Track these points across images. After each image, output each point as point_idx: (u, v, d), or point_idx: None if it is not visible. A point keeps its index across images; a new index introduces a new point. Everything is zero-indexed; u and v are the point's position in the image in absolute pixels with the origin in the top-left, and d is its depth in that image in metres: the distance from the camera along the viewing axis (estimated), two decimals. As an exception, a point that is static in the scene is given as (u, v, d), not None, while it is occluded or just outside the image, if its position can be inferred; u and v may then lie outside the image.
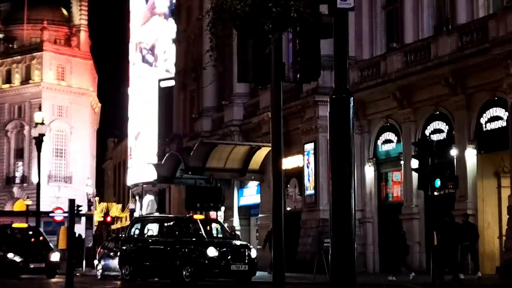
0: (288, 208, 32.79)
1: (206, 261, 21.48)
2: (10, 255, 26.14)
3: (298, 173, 32.41)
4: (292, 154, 31.92)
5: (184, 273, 21.73)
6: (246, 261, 21.83)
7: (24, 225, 31.19)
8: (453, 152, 25.52)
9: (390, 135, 29.77)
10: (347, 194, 8.81)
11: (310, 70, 9.87)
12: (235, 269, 21.66)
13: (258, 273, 22.98)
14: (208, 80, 42.69)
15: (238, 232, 35.31)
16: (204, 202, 31.52)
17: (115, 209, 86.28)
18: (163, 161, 41.19)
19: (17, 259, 26.15)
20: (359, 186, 28.62)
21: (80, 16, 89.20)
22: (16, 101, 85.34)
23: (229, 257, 21.64)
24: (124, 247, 24.58)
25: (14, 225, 29.87)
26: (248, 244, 23.94)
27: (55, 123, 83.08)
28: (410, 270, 23.58)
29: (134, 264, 23.69)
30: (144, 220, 26.27)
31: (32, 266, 26.41)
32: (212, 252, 21.54)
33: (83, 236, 41.45)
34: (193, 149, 36.18)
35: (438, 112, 27.09)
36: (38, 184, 37.80)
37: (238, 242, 23.65)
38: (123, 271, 24.16)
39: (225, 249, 21.87)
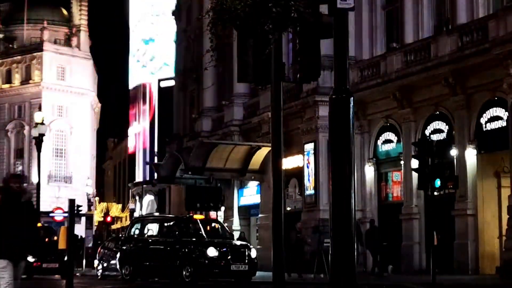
0: (288, 208, 32.76)
1: (206, 261, 21.48)
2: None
3: (298, 173, 32.39)
4: (292, 154, 31.90)
5: (184, 273, 21.75)
6: (246, 261, 21.87)
7: (201, 216, 28.83)
8: (453, 152, 25.51)
9: (390, 135, 29.76)
10: (347, 194, 8.81)
11: (310, 70, 9.88)
12: (235, 269, 21.69)
13: (259, 273, 22.99)
14: (208, 80, 42.70)
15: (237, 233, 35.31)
16: (204, 202, 31.46)
17: (115, 209, 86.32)
18: (163, 161, 41.20)
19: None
20: (359, 186, 28.61)
21: (80, 16, 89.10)
22: (16, 101, 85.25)
23: (229, 257, 21.65)
24: (124, 247, 24.61)
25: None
26: (248, 244, 23.95)
27: (55, 123, 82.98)
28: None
29: (134, 264, 23.72)
30: (144, 220, 26.26)
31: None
32: (212, 252, 21.54)
33: (83, 236, 41.51)
34: (193, 149, 36.16)
35: (438, 112, 27.08)
36: (38, 184, 37.77)
37: (238, 242, 23.66)
38: (123, 271, 24.19)
39: (225, 249, 21.87)
